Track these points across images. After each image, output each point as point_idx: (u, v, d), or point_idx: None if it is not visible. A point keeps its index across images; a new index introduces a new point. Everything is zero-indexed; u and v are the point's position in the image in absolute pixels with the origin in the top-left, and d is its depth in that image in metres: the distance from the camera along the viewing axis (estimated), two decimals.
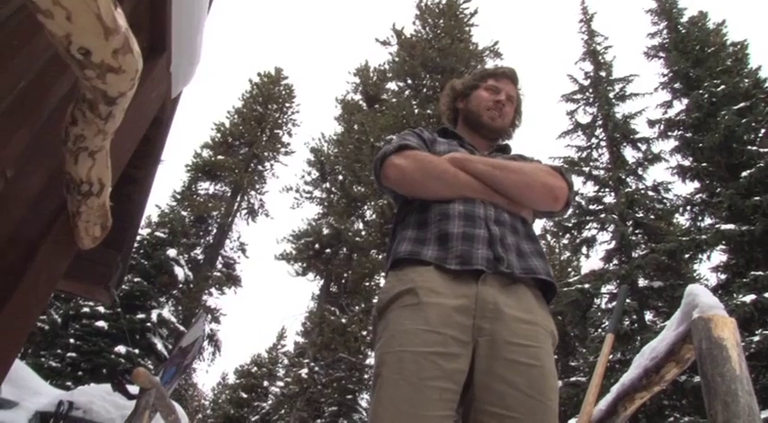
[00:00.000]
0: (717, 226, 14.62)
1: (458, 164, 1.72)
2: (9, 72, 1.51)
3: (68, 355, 15.90)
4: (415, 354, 1.36)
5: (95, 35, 0.92)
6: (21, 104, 1.63)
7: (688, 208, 16.75)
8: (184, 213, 26.09)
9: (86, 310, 16.72)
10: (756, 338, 11.43)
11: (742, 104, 15.76)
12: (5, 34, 1.53)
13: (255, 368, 33.83)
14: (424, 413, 1.29)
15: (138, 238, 16.20)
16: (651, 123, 18.76)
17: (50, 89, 1.68)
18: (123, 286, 16.26)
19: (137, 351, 16.41)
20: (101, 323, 16.31)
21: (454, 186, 1.68)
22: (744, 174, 14.57)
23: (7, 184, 1.79)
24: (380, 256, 19.71)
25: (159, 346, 17.55)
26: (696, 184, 16.94)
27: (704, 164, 16.30)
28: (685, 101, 18.17)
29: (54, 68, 1.69)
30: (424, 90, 23.04)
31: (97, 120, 1.25)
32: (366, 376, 21.17)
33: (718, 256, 15.08)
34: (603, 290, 16.55)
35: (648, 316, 15.69)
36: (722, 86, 16.55)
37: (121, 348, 15.98)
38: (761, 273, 12.71)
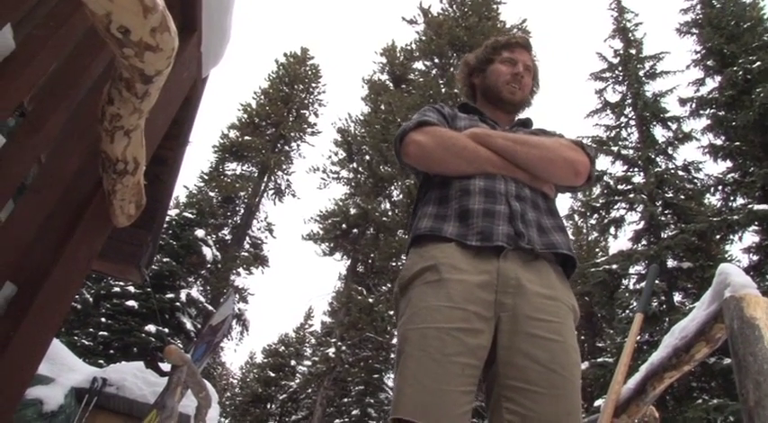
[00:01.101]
0: (749, 206, 14.36)
1: (478, 139, 1.70)
2: (46, 53, 1.53)
3: (100, 333, 16.26)
4: (439, 330, 1.37)
5: (134, 13, 0.94)
6: (57, 85, 1.65)
7: (719, 188, 16.45)
8: (212, 194, 26.36)
9: (117, 289, 17.06)
10: None
11: None
12: (42, 15, 1.55)
13: (283, 347, 34.24)
14: (446, 388, 1.30)
15: (167, 218, 16.41)
16: (682, 102, 18.41)
17: (86, 69, 1.70)
18: (153, 266, 16.51)
19: (166, 330, 16.71)
20: (131, 303, 16.63)
21: (475, 162, 1.67)
22: None
23: (45, 164, 1.83)
24: (407, 236, 19.73)
25: (188, 325, 17.85)
26: (728, 164, 16.64)
27: (737, 143, 15.98)
28: (718, 78, 17.74)
29: (89, 48, 1.72)
30: (452, 69, 22.89)
31: (133, 98, 1.27)
32: (392, 356, 21.29)
33: (751, 236, 14.86)
34: (631, 270, 16.39)
35: (677, 297, 15.52)
36: (758, 63, 16.08)
37: (151, 327, 16.29)
38: None
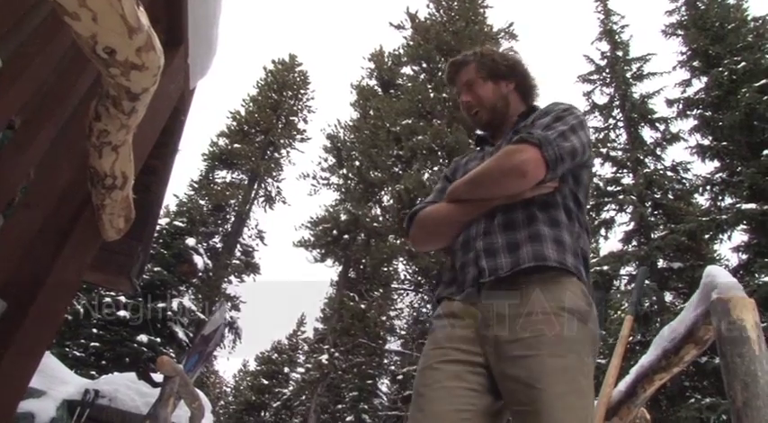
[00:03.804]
0: (737, 205, 14.44)
1: (449, 198, 1.79)
2: (33, 70, 1.54)
3: (92, 344, 16.14)
4: (425, 367, 1.57)
5: (120, 35, 0.94)
6: (45, 100, 1.66)
7: (708, 188, 16.54)
8: (202, 202, 26.31)
9: (108, 299, 16.93)
10: None
11: (764, 81, 15.37)
12: (28, 34, 1.56)
13: (276, 355, 34.13)
14: (438, 409, 1.46)
15: (158, 227, 16.33)
16: (669, 103, 18.50)
17: (73, 86, 1.71)
18: (144, 276, 16.40)
19: (158, 340, 16.61)
20: (123, 313, 16.51)
21: (454, 226, 1.75)
22: (765, 152, 14.36)
23: (34, 179, 1.83)
24: (398, 241, 19.75)
25: (180, 334, 17.74)
26: (716, 164, 16.72)
27: (724, 143, 16.07)
28: (704, 79, 17.85)
29: (76, 66, 1.72)
30: (440, 74, 22.94)
31: (120, 115, 1.28)
32: (385, 361, 21.28)
33: (739, 235, 14.92)
34: (622, 271, 16.45)
35: (668, 297, 15.59)
36: (743, 63, 16.20)
37: (143, 337, 16.19)
38: None
